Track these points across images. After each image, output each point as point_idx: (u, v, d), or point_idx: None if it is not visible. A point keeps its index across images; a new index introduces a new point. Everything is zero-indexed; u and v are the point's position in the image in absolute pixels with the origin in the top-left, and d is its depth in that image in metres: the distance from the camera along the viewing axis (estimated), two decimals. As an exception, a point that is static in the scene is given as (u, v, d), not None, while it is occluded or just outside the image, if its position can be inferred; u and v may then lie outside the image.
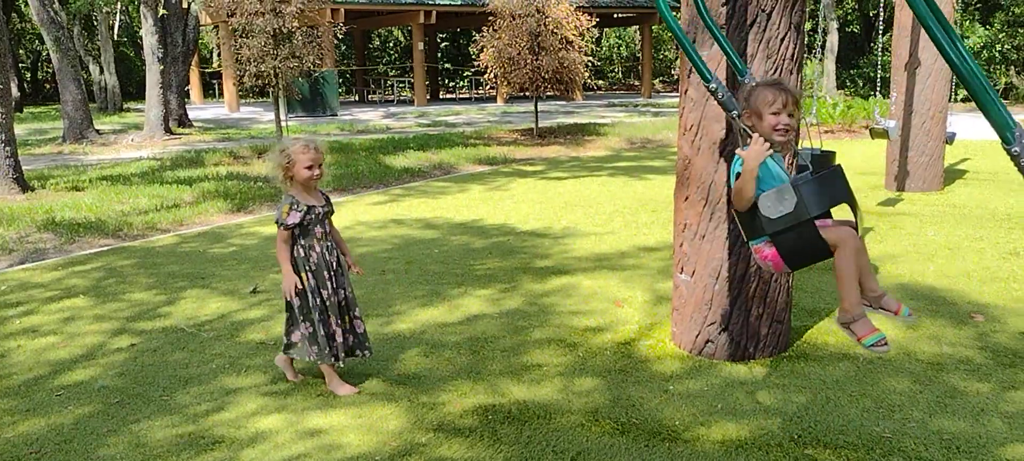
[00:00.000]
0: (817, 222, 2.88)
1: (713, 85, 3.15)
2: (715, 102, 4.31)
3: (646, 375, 4.36)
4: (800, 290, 5.69)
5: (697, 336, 4.60)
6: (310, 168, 4.06)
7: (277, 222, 4.11)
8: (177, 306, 5.82)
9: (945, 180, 10.19)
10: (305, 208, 4.09)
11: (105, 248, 7.93)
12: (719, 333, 4.52)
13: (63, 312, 5.76)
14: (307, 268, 4.11)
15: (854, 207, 2.93)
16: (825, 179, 2.89)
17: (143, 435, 3.79)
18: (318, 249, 4.13)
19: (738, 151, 2.96)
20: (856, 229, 2.95)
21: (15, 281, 6.70)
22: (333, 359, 4.16)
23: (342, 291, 4.23)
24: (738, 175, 2.94)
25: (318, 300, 4.12)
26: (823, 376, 4.29)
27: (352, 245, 7.72)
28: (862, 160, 12.77)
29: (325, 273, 4.14)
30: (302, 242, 4.12)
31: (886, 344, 2.90)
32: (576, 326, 5.18)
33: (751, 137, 2.95)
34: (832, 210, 3.08)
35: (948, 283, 5.91)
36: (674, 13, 3.63)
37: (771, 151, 2.96)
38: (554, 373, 4.42)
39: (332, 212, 4.27)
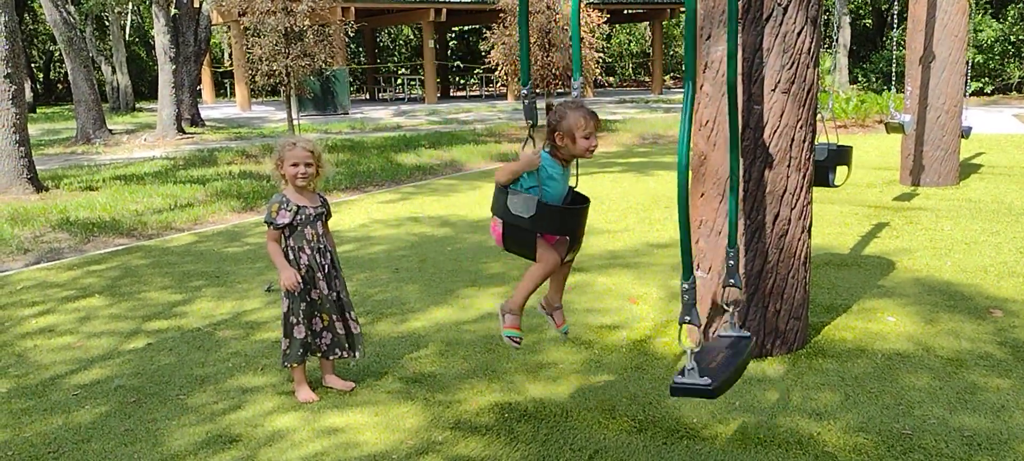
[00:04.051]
0: (542, 234, 3.39)
1: (524, 90, 3.45)
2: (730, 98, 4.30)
3: (663, 372, 4.34)
4: (816, 286, 5.66)
5: (713, 333, 4.58)
6: (296, 166, 3.98)
7: (265, 222, 4.03)
8: (193, 305, 5.84)
9: (961, 174, 10.12)
10: (295, 208, 4.00)
11: (120, 247, 7.97)
12: (736, 330, 4.50)
13: (79, 311, 5.79)
14: (295, 270, 4.01)
15: (574, 244, 3.51)
16: (566, 213, 3.41)
17: (160, 434, 3.80)
18: (308, 251, 4.04)
19: (520, 150, 3.39)
20: (566, 256, 3.51)
21: (31, 281, 6.73)
22: (297, 361, 4.09)
23: (336, 292, 4.14)
24: (514, 160, 3.40)
25: (305, 303, 4.06)
26: (842, 373, 4.26)
27: (365, 243, 7.73)
28: (877, 155, 12.69)
29: (317, 274, 4.06)
30: (291, 243, 4.03)
31: (518, 342, 3.57)
32: (591, 324, 5.16)
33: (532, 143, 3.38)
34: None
35: (965, 278, 5.87)
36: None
37: (541, 163, 3.35)
38: (570, 371, 4.41)
39: (328, 215, 4.18)
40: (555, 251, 3.44)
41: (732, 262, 3.66)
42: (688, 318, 2.97)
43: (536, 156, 3.33)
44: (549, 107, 3.46)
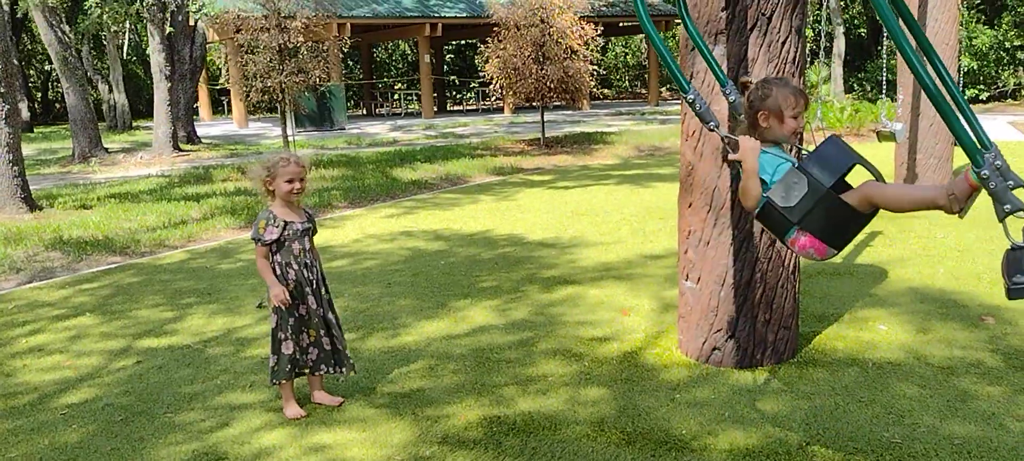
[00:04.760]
0: (839, 194, 2.80)
1: (690, 96, 3.08)
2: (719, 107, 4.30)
3: (653, 384, 4.32)
4: (808, 296, 5.64)
5: (704, 344, 4.56)
6: (291, 182, 4.00)
7: (253, 238, 4.04)
8: (184, 323, 5.82)
9: (954, 182, 10.10)
10: (282, 224, 4.01)
11: (113, 266, 7.95)
12: (726, 340, 4.49)
13: (70, 330, 5.77)
14: (283, 286, 4.01)
15: (865, 163, 2.83)
16: (824, 149, 2.83)
17: (147, 453, 3.78)
18: (296, 266, 4.04)
19: (732, 157, 2.91)
20: (877, 179, 2.86)
21: (23, 300, 6.71)
22: (286, 378, 4.07)
23: (322, 309, 4.13)
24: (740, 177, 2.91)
25: (293, 318, 4.06)
26: (832, 382, 4.24)
27: (359, 258, 7.71)
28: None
29: (305, 288, 4.06)
30: (278, 259, 4.03)
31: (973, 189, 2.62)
32: (582, 336, 5.14)
33: (735, 143, 2.91)
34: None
35: (958, 285, 5.85)
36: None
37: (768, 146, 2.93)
38: (560, 384, 4.39)
39: (314, 230, 4.18)
40: (864, 183, 2.83)
41: (999, 162, 2.46)
42: (1008, 206, 2.36)
43: (752, 143, 2.82)
44: (744, 86, 3.09)
